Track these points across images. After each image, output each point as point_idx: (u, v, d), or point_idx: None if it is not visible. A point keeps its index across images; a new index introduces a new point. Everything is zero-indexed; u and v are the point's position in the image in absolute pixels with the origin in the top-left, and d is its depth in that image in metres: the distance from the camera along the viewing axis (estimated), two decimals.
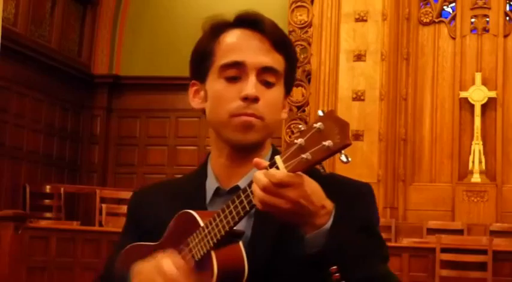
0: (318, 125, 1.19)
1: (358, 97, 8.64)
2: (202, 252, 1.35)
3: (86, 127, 10.67)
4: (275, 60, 1.48)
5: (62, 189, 9.37)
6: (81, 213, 10.08)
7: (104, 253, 6.73)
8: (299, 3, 9.00)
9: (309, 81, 8.86)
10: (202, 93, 1.54)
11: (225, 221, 1.32)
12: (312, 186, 1.31)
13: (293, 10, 9.03)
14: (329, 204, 1.34)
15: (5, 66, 8.58)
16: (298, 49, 8.95)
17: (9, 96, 8.92)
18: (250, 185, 1.30)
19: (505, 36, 8.70)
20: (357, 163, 8.43)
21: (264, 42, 1.48)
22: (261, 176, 1.27)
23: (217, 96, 1.49)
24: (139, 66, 10.78)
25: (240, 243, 1.36)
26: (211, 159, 1.57)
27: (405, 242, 7.19)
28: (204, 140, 10.70)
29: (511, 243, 7.26)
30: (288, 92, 1.55)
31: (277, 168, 1.26)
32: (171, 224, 1.46)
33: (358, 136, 8.52)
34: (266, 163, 1.29)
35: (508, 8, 8.83)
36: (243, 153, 1.48)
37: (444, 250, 6.49)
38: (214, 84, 1.50)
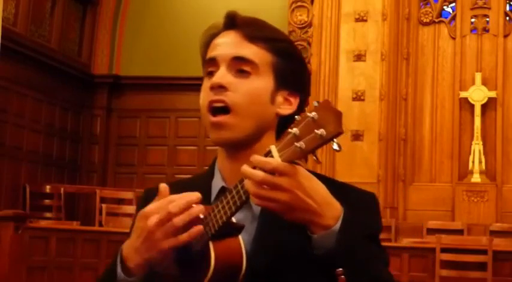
0: (312, 114, 1.21)
1: (358, 97, 8.64)
2: (201, 244, 1.36)
3: (86, 127, 10.67)
4: (249, 51, 1.49)
5: (62, 189, 9.37)
6: (81, 213, 10.08)
7: (104, 253, 6.73)
8: (299, 3, 9.00)
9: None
10: None
11: (222, 212, 1.32)
12: (311, 181, 1.30)
13: (293, 10, 9.03)
14: (337, 206, 1.33)
15: (5, 66, 8.58)
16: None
17: (9, 96, 8.92)
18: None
19: (505, 36, 8.70)
20: (357, 163, 8.44)
21: (238, 36, 1.51)
22: (251, 169, 1.27)
23: (201, 94, 1.53)
24: (139, 66, 10.78)
25: (240, 236, 1.36)
26: (218, 158, 1.58)
27: (405, 242, 7.19)
28: (204, 140, 10.70)
29: (511, 243, 7.26)
30: (286, 85, 1.53)
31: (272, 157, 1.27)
32: None
33: (358, 136, 8.52)
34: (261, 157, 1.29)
35: (508, 8, 8.83)
36: (236, 151, 1.49)
37: (444, 250, 6.49)
38: (202, 84, 1.55)
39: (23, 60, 9.04)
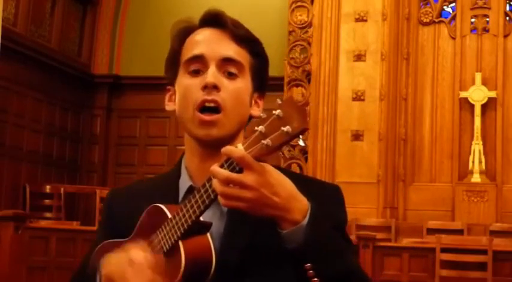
0: (277, 112, 1.23)
1: (358, 97, 8.64)
2: (170, 243, 1.38)
3: (86, 127, 10.67)
4: (236, 53, 1.51)
5: (62, 189, 9.37)
6: (81, 213, 10.08)
7: None
8: (299, 3, 9.00)
9: (309, 81, 8.86)
10: (174, 96, 1.59)
11: (191, 211, 1.34)
12: (277, 177, 1.31)
13: (293, 10, 9.03)
14: (304, 200, 1.35)
15: (5, 66, 8.58)
16: (298, 49, 8.96)
17: (9, 96, 8.92)
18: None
19: (505, 36, 8.70)
20: (357, 163, 8.44)
21: (224, 36, 1.52)
22: (218, 168, 1.29)
23: (182, 91, 1.53)
24: (139, 66, 10.78)
25: (208, 234, 1.38)
26: (185, 158, 1.59)
27: (405, 242, 7.19)
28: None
29: (511, 243, 7.26)
30: (258, 89, 1.56)
31: None
32: (141, 218, 1.48)
33: (358, 136, 8.52)
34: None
35: (508, 8, 8.83)
36: (213, 150, 1.49)
37: (444, 250, 6.49)
38: (181, 81, 1.54)
39: (23, 60, 9.04)
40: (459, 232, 7.90)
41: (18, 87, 9.07)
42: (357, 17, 8.74)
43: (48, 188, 9.32)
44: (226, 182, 1.28)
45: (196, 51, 1.52)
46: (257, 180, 1.28)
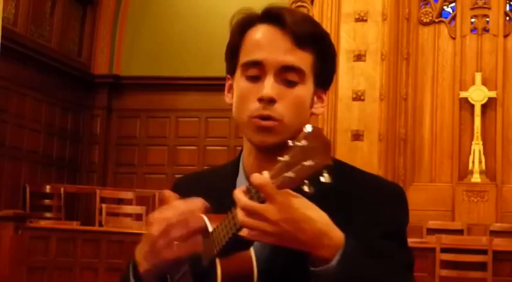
0: (302, 142, 1.19)
1: (358, 97, 8.63)
2: (209, 259, 1.34)
3: (86, 127, 10.67)
4: (297, 59, 1.43)
5: (62, 189, 9.37)
6: (81, 213, 10.08)
7: (104, 253, 6.73)
8: (299, 3, 8.99)
9: None
10: (232, 89, 1.53)
11: (228, 227, 1.30)
12: (303, 212, 1.24)
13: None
14: (336, 236, 1.27)
15: (5, 66, 8.58)
16: None
17: (9, 96, 8.93)
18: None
19: (505, 36, 8.69)
20: (357, 163, 8.35)
21: (286, 40, 1.43)
22: (240, 193, 1.24)
23: (239, 95, 1.47)
24: (139, 66, 10.78)
25: (251, 250, 1.33)
26: (243, 156, 1.54)
27: None
28: (204, 140, 10.71)
29: (511, 243, 7.26)
30: (321, 85, 1.49)
31: None
32: None
33: (358, 136, 8.52)
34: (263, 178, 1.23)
35: (508, 8, 8.82)
36: (269, 153, 1.43)
37: (444, 250, 6.49)
38: (238, 82, 1.48)
39: (23, 60, 9.04)
40: (459, 232, 7.90)
41: (18, 87, 9.08)
42: (357, 17, 8.73)
43: (48, 188, 9.32)
44: (246, 211, 1.22)
45: (255, 56, 1.44)
46: (278, 214, 1.21)
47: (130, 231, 7.02)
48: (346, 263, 1.26)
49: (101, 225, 8.17)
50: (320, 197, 1.23)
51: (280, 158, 1.21)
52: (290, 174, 1.19)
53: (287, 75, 1.43)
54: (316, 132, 1.20)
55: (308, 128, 1.20)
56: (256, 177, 1.21)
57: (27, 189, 9.13)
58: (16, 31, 8.94)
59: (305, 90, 1.46)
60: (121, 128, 10.89)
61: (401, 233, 1.45)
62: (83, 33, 10.65)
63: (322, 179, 1.18)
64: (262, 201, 1.22)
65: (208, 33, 10.05)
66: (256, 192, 1.23)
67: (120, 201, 9.36)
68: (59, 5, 9.90)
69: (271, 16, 1.45)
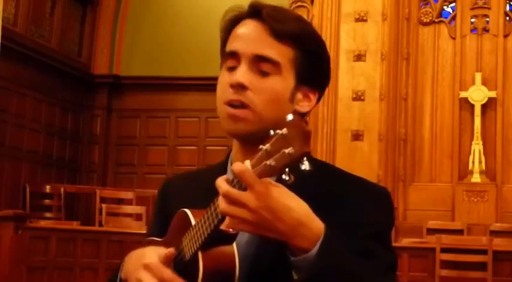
0: (283, 131, 1.19)
1: (358, 97, 8.63)
2: (191, 252, 1.35)
3: (86, 127, 10.67)
4: (274, 51, 1.44)
5: (62, 189, 9.38)
6: (81, 213, 10.09)
7: (104, 253, 6.74)
8: (299, 3, 8.99)
9: None
10: None
11: (210, 220, 1.31)
12: (283, 201, 1.24)
13: (293, 10, 9.03)
14: (316, 227, 1.26)
15: (5, 66, 8.58)
16: None
17: (9, 96, 8.93)
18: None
19: (505, 36, 8.69)
20: (357, 163, 8.43)
21: (264, 32, 1.45)
22: (221, 181, 1.24)
23: (218, 86, 1.50)
24: (139, 66, 10.79)
25: (234, 245, 1.34)
26: (232, 153, 1.56)
27: (405, 242, 7.19)
28: (204, 140, 10.71)
29: (511, 243, 7.26)
30: (306, 82, 1.48)
31: None
32: (172, 222, 1.47)
33: (358, 136, 8.52)
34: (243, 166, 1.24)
35: (508, 8, 8.82)
36: (253, 146, 1.40)
37: (444, 250, 6.49)
38: (220, 75, 1.51)
39: (23, 60, 9.04)
40: (459, 232, 7.90)
41: (18, 87, 9.08)
42: (357, 17, 8.73)
43: (48, 188, 9.32)
44: (227, 198, 1.23)
45: (232, 47, 1.47)
46: (257, 202, 1.21)
47: (130, 231, 7.03)
48: (326, 253, 1.25)
49: (101, 225, 8.17)
50: (302, 190, 1.25)
51: (261, 146, 1.21)
52: (271, 162, 1.19)
53: (261, 65, 1.44)
54: (297, 121, 1.20)
55: (289, 117, 1.20)
56: (237, 166, 1.21)
57: (27, 189, 9.13)
58: (16, 31, 8.94)
59: (281, 82, 1.45)
60: (121, 128, 10.89)
61: (385, 234, 1.44)
62: (83, 33, 10.66)
63: (302, 166, 1.18)
64: (244, 190, 1.23)
65: (208, 33, 10.04)
66: (238, 182, 1.23)
67: (120, 201, 9.36)
68: (59, 5, 9.90)
69: (254, 11, 1.48)
